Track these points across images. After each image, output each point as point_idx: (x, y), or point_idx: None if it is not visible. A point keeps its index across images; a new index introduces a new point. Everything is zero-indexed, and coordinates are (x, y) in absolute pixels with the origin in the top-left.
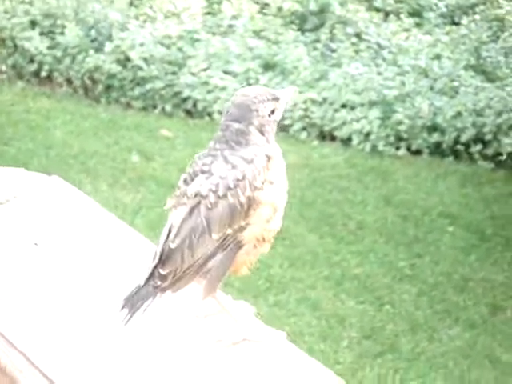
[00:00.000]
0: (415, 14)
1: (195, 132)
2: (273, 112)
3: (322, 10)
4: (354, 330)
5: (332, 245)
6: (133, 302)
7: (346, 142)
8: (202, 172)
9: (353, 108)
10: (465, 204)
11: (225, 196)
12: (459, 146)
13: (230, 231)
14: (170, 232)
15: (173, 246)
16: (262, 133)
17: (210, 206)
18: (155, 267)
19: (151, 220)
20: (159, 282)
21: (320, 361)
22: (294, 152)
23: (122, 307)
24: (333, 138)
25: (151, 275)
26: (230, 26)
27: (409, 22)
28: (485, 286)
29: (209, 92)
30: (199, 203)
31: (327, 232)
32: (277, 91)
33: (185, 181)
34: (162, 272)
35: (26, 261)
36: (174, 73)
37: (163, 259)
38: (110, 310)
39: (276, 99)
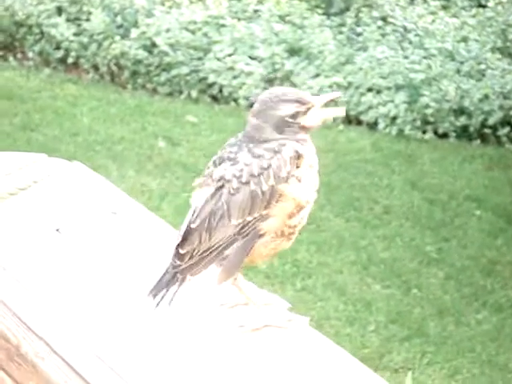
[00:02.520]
0: None
1: (221, 117)
2: (296, 115)
3: None
4: (380, 315)
5: (358, 229)
6: (159, 287)
7: (372, 125)
8: (229, 159)
9: (379, 92)
10: (492, 187)
11: (247, 183)
12: (486, 129)
13: (249, 219)
14: (194, 212)
15: (193, 225)
16: (280, 132)
17: (232, 191)
18: (177, 246)
19: (177, 205)
20: (177, 262)
21: (347, 345)
22: (319, 136)
23: (150, 292)
24: (359, 122)
25: (173, 255)
26: (256, 11)
27: (435, 4)
28: None
29: (234, 77)
30: (222, 187)
31: (353, 216)
32: (311, 96)
33: (214, 162)
34: (181, 251)
35: (48, 247)
36: (199, 58)
37: (183, 239)
38: (133, 297)
39: (303, 103)
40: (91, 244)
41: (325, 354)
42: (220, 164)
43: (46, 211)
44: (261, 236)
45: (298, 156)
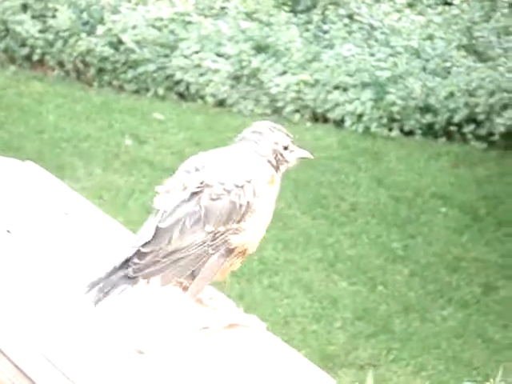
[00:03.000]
0: None
1: (188, 115)
2: (286, 148)
3: None
4: (347, 311)
5: (325, 226)
6: (105, 284)
7: (339, 123)
8: (211, 164)
9: (345, 89)
10: (457, 184)
11: (230, 192)
12: (452, 127)
13: (222, 229)
14: (162, 213)
15: (163, 225)
16: (270, 161)
17: (213, 196)
18: (140, 245)
19: (144, 203)
20: (136, 260)
21: (313, 342)
22: None
23: (92, 288)
24: (325, 120)
25: (129, 253)
26: (222, 8)
27: (401, 2)
28: (477, 266)
29: (201, 75)
30: (202, 191)
31: (320, 214)
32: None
33: (187, 171)
34: (143, 250)
35: None
36: (166, 55)
37: (149, 239)
38: (81, 298)
39: (291, 141)
40: (41, 245)
41: (278, 356)
42: (198, 170)
43: None
44: (230, 250)
45: (273, 178)
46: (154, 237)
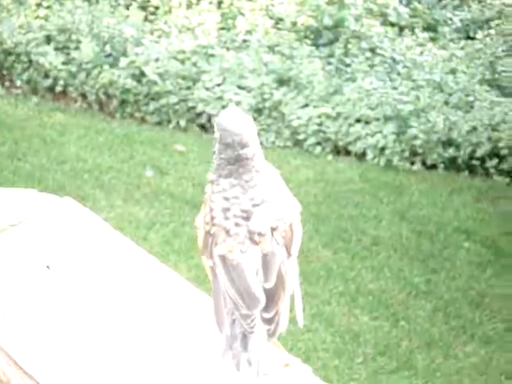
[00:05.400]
0: (430, 28)
1: (209, 147)
2: None
3: (337, 25)
4: (368, 346)
5: (346, 260)
6: (250, 355)
7: (361, 156)
8: (255, 205)
9: (367, 122)
10: (480, 219)
11: (288, 220)
12: (474, 161)
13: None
14: (256, 272)
15: (268, 286)
16: None
17: (284, 234)
18: (260, 311)
19: (165, 235)
20: (266, 326)
21: (334, 377)
22: (308, 167)
23: (232, 359)
24: (347, 153)
25: (250, 319)
26: (245, 41)
27: (423, 36)
28: (500, 302)
29: (223, 107)
30: (272, 236)
31: (341, 247)
32: None
33: (236, 224)
34: (267, 315)
35: (38, 284)
36: (188, 88)
37: (263, 302)
38: (123, 334)
39: None
40: (81, 281)
41: None
42: (247, 218)
43: (37, 247)
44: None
45: None
46: (268, 299)
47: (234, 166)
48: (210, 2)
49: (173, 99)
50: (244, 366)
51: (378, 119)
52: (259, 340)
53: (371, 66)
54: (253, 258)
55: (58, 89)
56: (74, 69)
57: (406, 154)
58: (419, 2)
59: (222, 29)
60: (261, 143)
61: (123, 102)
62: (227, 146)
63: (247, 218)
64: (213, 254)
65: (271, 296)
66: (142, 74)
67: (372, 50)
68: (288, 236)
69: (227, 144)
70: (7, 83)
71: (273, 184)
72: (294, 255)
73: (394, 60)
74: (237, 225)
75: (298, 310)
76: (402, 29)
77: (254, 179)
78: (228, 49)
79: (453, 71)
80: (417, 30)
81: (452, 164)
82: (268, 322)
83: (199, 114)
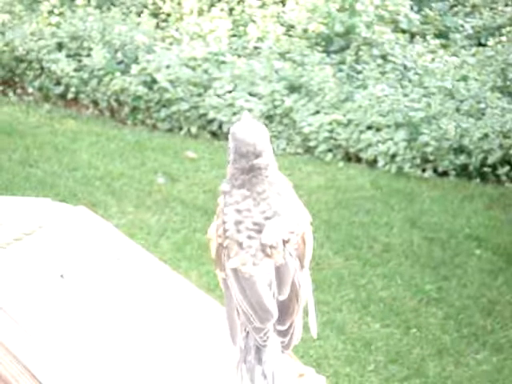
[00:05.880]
0: (441, 35)
1: (220, 154)
2: None
3: (348, 32)
4: (380, 354)
5: (358, 267)
6: (265, 368)
7: (372, 163)
8: (267, 218)
9: (378, 130)
10: (492, 226)
11: (300, 232)
12: (486, 168)
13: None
14: (269, 285)
15: (282, 298)
16: None
17: (296, 246)
18: (273, 324)
19: (176, 242)
20: (281, 339)
21: None
22: (319, 173)
23: (246, 372)
24: (358, 160)
25: (263, 333)
26: (256, 48)
27: (435, 43)
28: None
29: (234, 114)
30: (284, 249)
31: (353, 254)
32: None
33: (249, 237)
34: (281, 328)
35: (52, 292)
36: (199, 95)
37: (276, 315)
38: (132, 341)
39: None
40: (95, 290)
41: None
42: (259, 231)
43: (51, 256)
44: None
45: None
46: (282, 311)
47: (247, 175)
48: (222, 9)
49: (184, 106)
50: (258, 379)
51: (389, 126)
52: (273, 352)
53: (382, 73)
54: (266, 271)
55: (70, 96)
56: (85, 76)
57: (418, 161)
58: (430, 9)
59: (234, 36)
60: (272, 150)
61: (134, 109)
62: (241, 156)
63: (259, 231)
64: (225, 267)
65: (285, 308)
66: (154, 81)
67: (383, 57)
68: (300, 248)
69: (241, 154)
70: (19, 90)
71: (285, 196)
72: (307, 266)
73: (405, 67)
74: (249, 237)
75: (312, 320)
76: (413, 35)
77: (266, 191)
78: (239, 56)
79: (464, 78)
80: (428, 37)
81: (463, 171)
82: (282, 334)
83: (210, 121)
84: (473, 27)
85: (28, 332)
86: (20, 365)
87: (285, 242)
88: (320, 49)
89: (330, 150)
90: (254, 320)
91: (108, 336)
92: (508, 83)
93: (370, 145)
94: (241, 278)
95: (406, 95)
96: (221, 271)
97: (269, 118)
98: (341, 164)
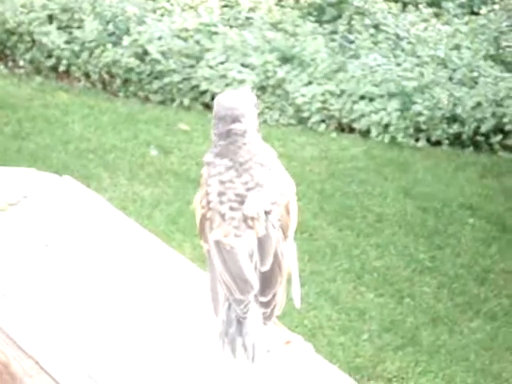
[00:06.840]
0: (434, 4)
1: None
2: None
3: (340, 1)
4: (374, 323)
5: (351, 237)
6: (245, 340)
7: (365, 133)
8: (249, 189)
9: (371, 100)
10: (485, 195)
11: (283, 202)
12: (479, 137)
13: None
14: (251, 256)
15: (264, 269)
16: None
17: (279, 217)
18: (255, 295)
19: (170, 214)
20: (263, 309)
21: (340, 354)
22: (312, 144)
23: (227, 344)
24: (351, 130)
25: (245, 303)
26: (248, 19)
27: (427, 12)
28: (506, 278)
29: (227, 85)
30: (266, 220)
31: (346, 225)
32: None
33: (231, 208)
34: (263, 299)
35: (37, 262)
36: (191, 66)
37: (259, 286)
38: (124, 313)
39: None
40: (80, 259)
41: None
42: (241, 202)
43: (35, 226)
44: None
45: None
46: (264, 283)
47: (224, 141)
48: None
49: (176, 78)
50: (239, 351)
51: (382, 96)
52: (254, 324)
53: (375, 43)
54: (248, 242)
55: (61, 68)
56: (76, 48)
57: (411, 130)
58: None
59: (225, 6)
60: (265, 121)
61: (126, 81)
62: (219, 120)
63: (242, 203)
64: (208, 239)
65: (268, 279)
66: (145, 52)
67: (376, 27)
68: (284, 218)
69: (220, 118)
70: (10, 63)
71: (268, 166)
72: (291, 237)
73: (397, 36)
74: (232, 209)
75: (295, 291)
76: (405, 4)
77: (248, 162)
78: (231, 26)
79: (457, 47)
80: (421, 6)
81: (457, 140)
82: (265, 305)
83: (203, 93)
84: None
85: (13, 302)
86: (6, 337)
87: (267, 213)
88: (312, 19)
89: (322, 121)
90: (235, 291)
91: (93, 306)
92: (501, 51)
93: (362, 115)
94: (222, 249)
95: (398, 65)
96: (205, 242)
97: (261, 89)
98: (334, 134)
